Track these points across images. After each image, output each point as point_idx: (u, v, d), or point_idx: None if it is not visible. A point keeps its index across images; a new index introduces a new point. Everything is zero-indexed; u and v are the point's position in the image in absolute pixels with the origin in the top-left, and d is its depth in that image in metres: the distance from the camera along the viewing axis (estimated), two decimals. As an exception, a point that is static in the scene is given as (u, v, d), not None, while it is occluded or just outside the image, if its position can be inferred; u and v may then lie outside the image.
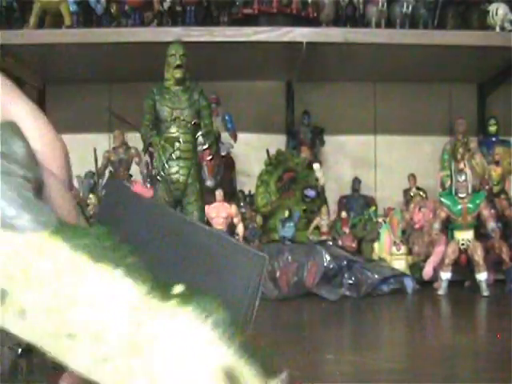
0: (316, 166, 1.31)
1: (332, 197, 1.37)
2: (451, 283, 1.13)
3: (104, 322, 0.16)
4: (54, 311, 0.15)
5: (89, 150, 1.20)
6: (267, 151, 1.30)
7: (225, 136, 1.29)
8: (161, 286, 0.16)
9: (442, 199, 1.16)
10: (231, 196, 1.28)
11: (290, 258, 1.07)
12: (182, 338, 0.16)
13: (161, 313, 0.16)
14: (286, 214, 1.21)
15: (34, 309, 0.15)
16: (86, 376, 0.15)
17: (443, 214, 1.15)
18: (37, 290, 0.16)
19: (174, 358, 0.15)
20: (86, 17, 1.26)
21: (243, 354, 0.16)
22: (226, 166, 1.29)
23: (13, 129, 0.17)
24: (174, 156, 0.98)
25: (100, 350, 0.15)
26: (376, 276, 1.07)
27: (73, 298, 0.16)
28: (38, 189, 0.17)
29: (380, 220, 1.27)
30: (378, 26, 1.24)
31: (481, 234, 1.15)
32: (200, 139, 1.03)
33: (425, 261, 1.17)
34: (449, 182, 1.19)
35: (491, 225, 1.13)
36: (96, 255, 0.16)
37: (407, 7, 1.22)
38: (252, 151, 1.41)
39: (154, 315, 0.16)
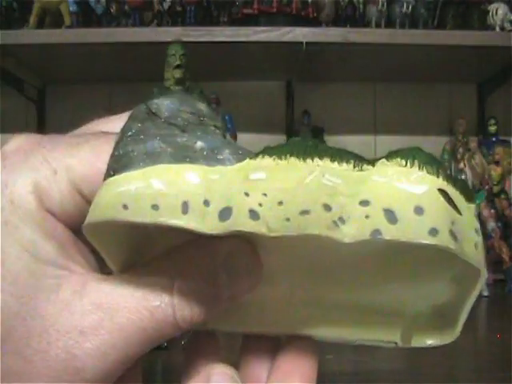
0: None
1: (332, 197, 1.37)
2: (451, 283, 1.13)
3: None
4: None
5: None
6: (267, 151, 1.30)
7: (225, 136, 1.29)
8: (359, 158, 0.19)
9: (442, 199, 1.16)
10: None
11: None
12: (399, 180, 0.18)
13: (375, 173, 0.19)
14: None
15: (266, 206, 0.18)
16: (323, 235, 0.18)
17: (443, 214, 1.15)
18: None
19: (396, 195, 0.18)
20: (86, 17, 1.26)
21: (450, 180, 0.19)
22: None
23: (191, 94, 0.21)
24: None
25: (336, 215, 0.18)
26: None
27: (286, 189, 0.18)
28: (225, 135, 0.20)
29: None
30: (378, 26, 1.24)
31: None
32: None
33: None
34: (449, 182, 1.19)
35: (491, 225, 1.14)
36: (301, 155, 0.19)
37: (407, 7, 1.22)
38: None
39: (368, 177, 0.19)
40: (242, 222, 0.18)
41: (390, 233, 0.17)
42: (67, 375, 0.18)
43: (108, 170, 0.19)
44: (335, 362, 0.62)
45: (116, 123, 0.22)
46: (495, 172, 1.32)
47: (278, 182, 0.18)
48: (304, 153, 0.19)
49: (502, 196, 1.27)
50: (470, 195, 0.20)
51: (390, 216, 0.18)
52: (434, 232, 0.17)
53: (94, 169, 0.20)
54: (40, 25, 1.21)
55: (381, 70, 1.37)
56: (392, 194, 0.18)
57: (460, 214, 0.19)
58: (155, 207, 0.18)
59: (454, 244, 0.18)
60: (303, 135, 1.40)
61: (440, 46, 1.18)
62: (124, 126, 0.20)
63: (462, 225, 0.19)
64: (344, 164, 0.19)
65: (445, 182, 0.19)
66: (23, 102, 1.41)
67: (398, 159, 0.19)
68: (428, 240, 0.17)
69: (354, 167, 0.19)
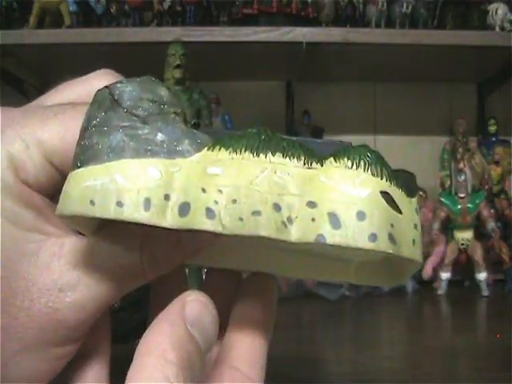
0: (316, 165, 1.31)
1: (332, 197, 1.37)
2: (451, 283, 1.13)
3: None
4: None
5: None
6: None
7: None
8: (310, 154, 0.20)
9: (442, 199, 1.16)
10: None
11: (289, 257, 1.07)
12: (345, 183, 0.19)
13: (323, 174, 0.20)
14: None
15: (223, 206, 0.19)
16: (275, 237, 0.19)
17: (443, 214, 1.15)
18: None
19: (341, 199, 0.19)
20: (86, 17, 1.26)
21: (393, 180, 0.20)
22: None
23: (152, 79, 0.22)
24: (174, 156, 0.98)
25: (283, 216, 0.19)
26: (376, 276, 1.07)
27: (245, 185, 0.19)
28: (186, 119, 0.21)
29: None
30: (377, 26, 1.24)
31: (481, 234, 1.15)
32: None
33: (424, 261, 1.17)
34: (448, 182, 1.19)
35: (491, 225, 1.13)
36: (255, 150, 0.20)
37: (407, 7, 1.22)
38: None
39: (316, 177, 0.20)
40: (199, 221, 0.19)
41: (333, 238, 0.19)
42: (50, 326, 0.21)
43: (75, 159, 0.20)
44: (335, 362, 0.62)
45: (77, 89, 0.26)
46: (495, 172, 1.32)
47: (232, 178, 0.19)
48: (257, 147, 0.20)
49: (502, 196, 1.27)
50: (411, 189, 0.21)
51: (334, 221, 0.19)
52: (373, 237, 0.19)
53: (63, 142, 0.22)
54: (40, 25, 1.21)
55: (381, 70, 1.37)
56: (337, 198, 0.19)
57: (401, 212, 0.20)
58: (119, 204, 0.19)
59: (392, 247, 0.19)
60: (303, 135, 1.40)
61: (440, 46, 1.18)
62: (89, 112, 0.21)
63: (402, 224, 0.20)
64: (295, 160, 0.20)
65: (388, 183, 0.20)
66: (23, 102, 1.40)
67: (345, 160, 0.20)
68: (367, 246, 0.19)
69: (304, 164, 0.20)
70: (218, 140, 0.20)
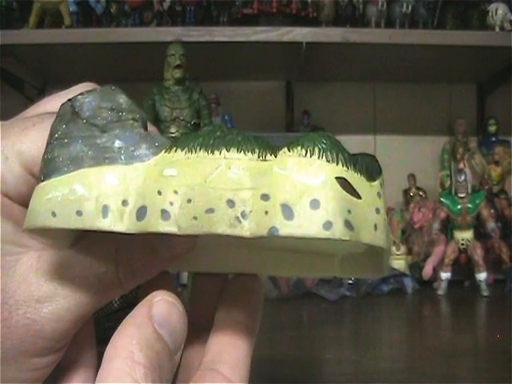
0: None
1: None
2: (451, 283, 1.13)
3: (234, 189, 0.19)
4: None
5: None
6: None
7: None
8: (264, 147, 0.20)
9: (442, 199, 1.16)
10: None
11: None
12: (298, 172, 0.19)
13: (276, 165, 0.19)
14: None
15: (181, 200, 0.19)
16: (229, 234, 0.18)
17: (443, 214, 1.15)
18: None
19: (294, 189, 0.19)
20: (86, 17, 1.26)
21: (350, 165, 0.19)
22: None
23: (113, 88, 0.22)
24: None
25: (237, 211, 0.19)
26: (376, 276, 1.07)
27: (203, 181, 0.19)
28: (145, 124, 0.21)
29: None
30: (377, 25, 1.24)
31: (480, 234, 1.15)
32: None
33: (424, 261, 1.17)
34: (448, 182, 1.19)
35: (491, 225, 1.14)
36: (210, 147, 0.20)
37: (407, 7, 1.22)
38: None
39: (270, 168, 0.19)
40: (154, 224, 0.19)
41: (285, 230, 0.18)
42: (29, 337, 0.21)
43: (40, 173, 0.20)
44: (335, 362, 0.62)
45: (58, 102, 0.24)
46: (495, 172, 1.32)
47: (187, 178, 0.19)
48: (212, 145, 0.20)
49: (502, 196, 1.27)
50: (372, 173, 0.20)
51: (287, 212, 0.18)
52: (328, 225, 0.18)
53: (41, 151, 0.22)
54: (40, 25, 1.21)
55: (381, 70, 1.37)
56: (290, 188, 0.19)
57: (359, 197, 0.19)
58: (79, 213, 0.19)
59: (349, 234, 0.18)
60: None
61: (440, 46, 1.18)
62: (53, 125, 0.21)
63: (361, 209, 0.19)
64: (249, 154, 0.20)
65: (344, 168, 0.19)
66: (23, 102, 1.41)
67: (299, 148, 0.19)
68: (322, 234, 0.18)
69: (259, 157, 0.20)
70: (175, 141, 0.20)
